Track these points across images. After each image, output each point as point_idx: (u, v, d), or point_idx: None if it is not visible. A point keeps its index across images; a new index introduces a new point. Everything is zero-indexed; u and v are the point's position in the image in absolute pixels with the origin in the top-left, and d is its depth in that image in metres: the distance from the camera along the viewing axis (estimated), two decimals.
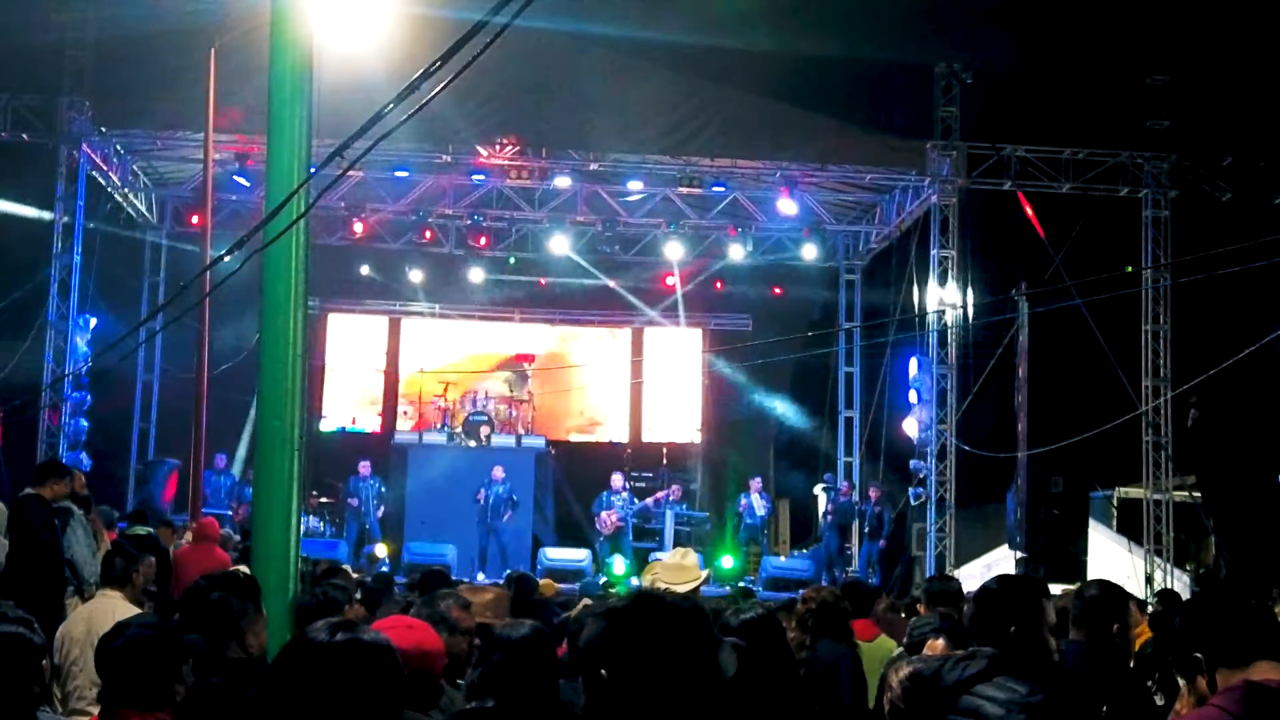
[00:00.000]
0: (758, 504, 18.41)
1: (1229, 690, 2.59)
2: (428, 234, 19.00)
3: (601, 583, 13.88)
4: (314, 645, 2.35)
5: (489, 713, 3.42)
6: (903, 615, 8.69)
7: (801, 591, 6.31)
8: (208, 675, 3.89)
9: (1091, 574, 14.26)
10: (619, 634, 2.24)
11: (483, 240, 19.18)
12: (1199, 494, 16.88)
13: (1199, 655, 2.77)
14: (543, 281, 20.79)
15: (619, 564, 16.93)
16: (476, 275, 20.31)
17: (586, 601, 7.08)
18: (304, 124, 5.83)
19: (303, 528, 5.87)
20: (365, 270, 20.23)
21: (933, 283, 17.01)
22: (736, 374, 20.88)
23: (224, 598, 4.24)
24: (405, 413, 21.10)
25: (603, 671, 2.22)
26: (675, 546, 13.15)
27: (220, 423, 14.31)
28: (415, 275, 20.42)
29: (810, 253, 19.68)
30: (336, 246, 18.94)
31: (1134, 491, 17.63)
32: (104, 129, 16.30)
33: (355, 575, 10.54)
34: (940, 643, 5.12)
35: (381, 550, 17.03)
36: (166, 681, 3.62)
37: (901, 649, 5.51)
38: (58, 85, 15.79)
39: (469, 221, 18.79)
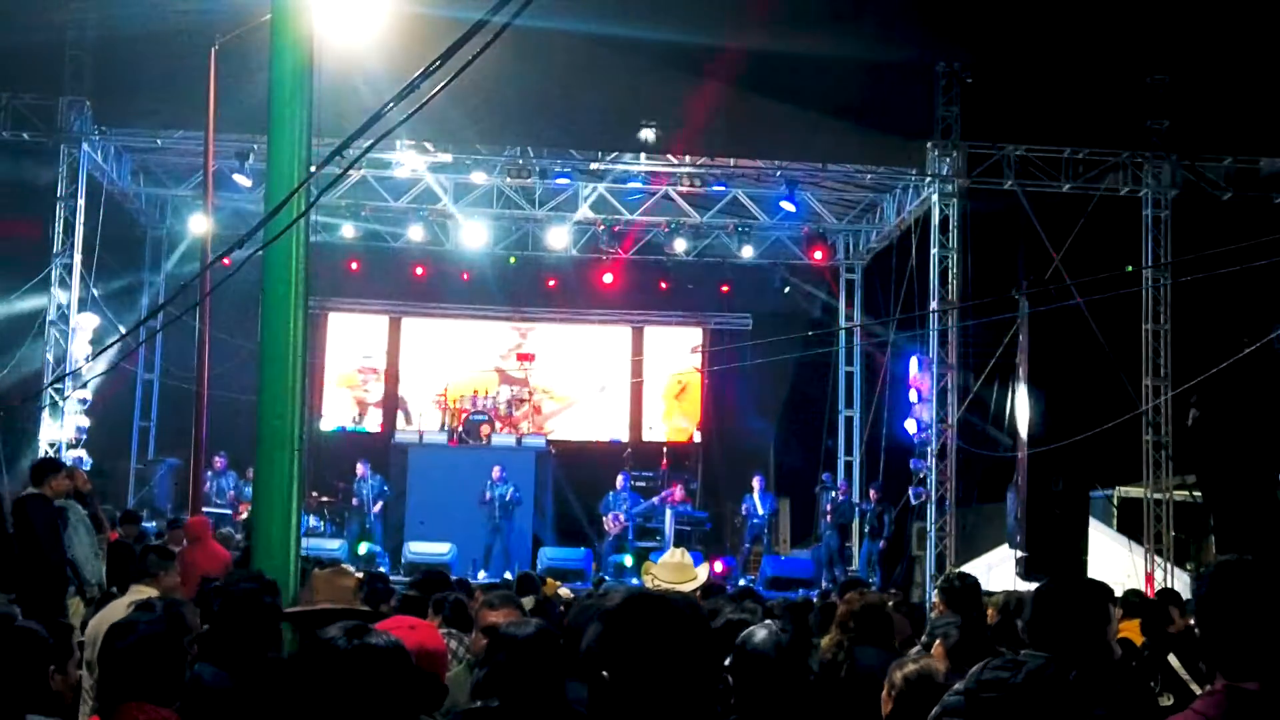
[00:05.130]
0: (759, 503, 18.44)
1: (1209, 694, 2.56)
2: (427, 234, 18.97)
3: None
4: (329, 650, 2.36)
5: (494, 712, 3.41)
6: (903, 614, 8.68)
7: (802, 593, 6.30)
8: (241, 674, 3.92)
9: (1091, 574, 14.24)
10: (616, 635, 2.24)
11: (484, 239, 19.15)
12: (1199, 493, 16.87)
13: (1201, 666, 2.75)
14: (551, 281, 20.78)
15: (629, 561, 17.01)
16: (476, 274, 20.31)
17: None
18: (304, 124, 5.84)
19: (303, 527, 5.87)
20: (365, 270, 20.22)
21: (933, 282, 17.01)
22: (736, 374, 20.88)
23: (275, 601, 4.29)
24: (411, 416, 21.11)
25: (603, 674, 2.22)
26: (675, 546, 13.17)
27: (221, 423, 14.30)
28: (415, 275, 20.41)
29: (811, 253, 19.70)
30: (336, 246, 18.93)
31: (1134, 491, 17.62)
32: (104, 129, 16.30)
33: (359, 575, 10.57)
34: (939, 646, 5.10)
35: (362, 548, 17.07)
36: (176, 678, 3.64)
37: (919, 647, 5.48)
38: (58, 85, 15.78)
39: (470, 221, 18.78)
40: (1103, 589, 3.86)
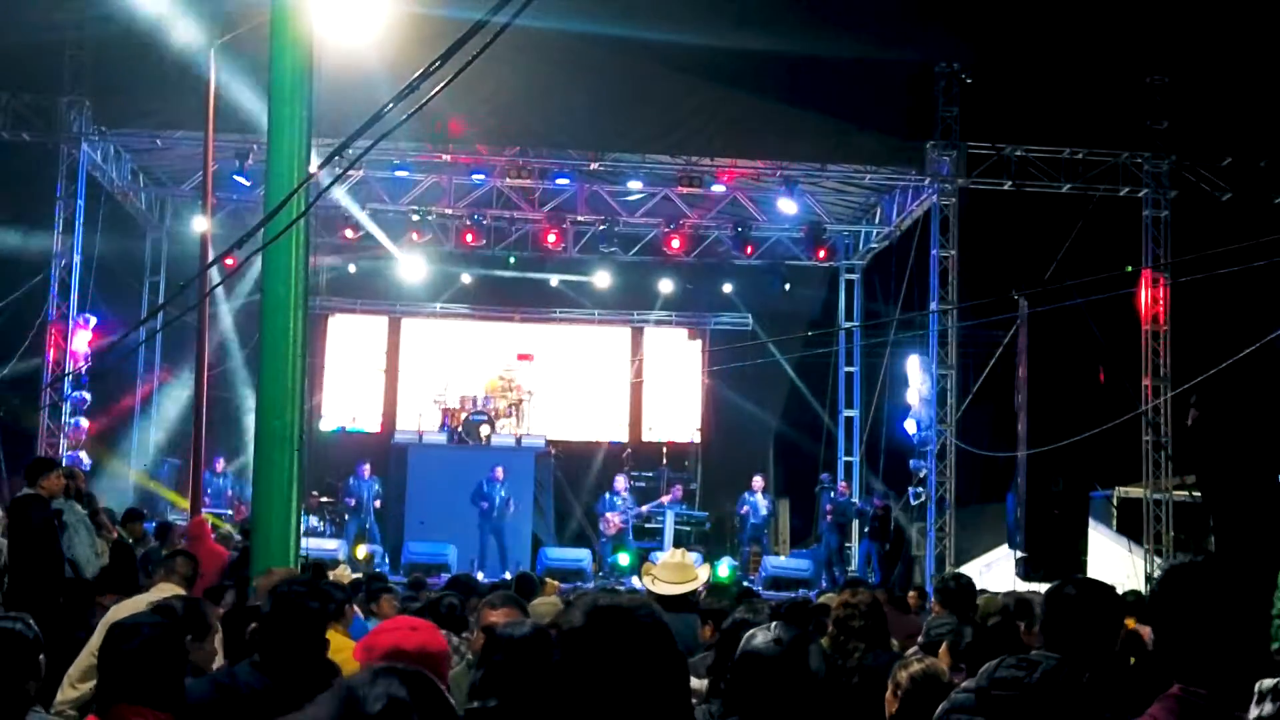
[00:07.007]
0: (761, 503, 18.41)
1: (1164, 699, 2.53)
2: (424, 234, 18.95)
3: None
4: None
5: (491, 713, 3.40)
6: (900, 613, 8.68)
7: (802, 593, 6.27)
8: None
9: (1091, 574, 14.23)
10: (578, 655, 2.20)
11: (482, 239, 19.13)
12: (1199, 494, 16.86)
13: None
14: (554, 280, 20.77)
15: (625, 559, 16.99)
16: (476, 275, 20.29)
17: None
18: (304, 124, 5.83)
19: (303, 527, 5.87)
20: (365, 270, 20.20)
21: (932, 283, 17.01)
22: (736, 374, 20.86)
23: (323, 607, 4.28)
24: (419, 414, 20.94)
25: (568, 692, 2.17)
26: (675, 547, 13.17)
27: (221, 423, 14.32)
28: (415, 275, 20.40)
29: (811, 253, 19.69)
30: (336, 246, 18.92)
31: (1134, 491, 17.63)
32: (104, 129, 16.30)
33: (356, 575, 10.63)
34: (943, 649, 5.10)
35: (361, 552, 17.02)
36: (177, 682, 3.63)
37: (916, 647, 5.48)
38: (58, 85, 15.78)
39: (469, 221, 18.77)
40: (1113, 594, 3.85)
